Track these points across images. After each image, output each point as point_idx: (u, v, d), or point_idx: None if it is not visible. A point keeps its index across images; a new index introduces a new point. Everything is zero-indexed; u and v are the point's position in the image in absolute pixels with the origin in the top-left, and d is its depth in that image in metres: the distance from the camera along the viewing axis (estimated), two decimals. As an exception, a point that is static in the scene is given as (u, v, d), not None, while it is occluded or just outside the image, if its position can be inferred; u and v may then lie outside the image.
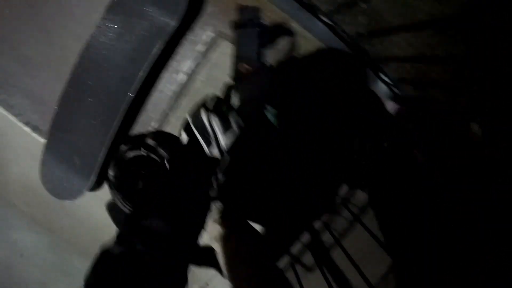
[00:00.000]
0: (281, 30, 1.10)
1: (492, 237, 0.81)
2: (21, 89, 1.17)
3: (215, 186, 0.96)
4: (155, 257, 0.64)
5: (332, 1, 1.04)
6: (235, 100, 1.01)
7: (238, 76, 1.06)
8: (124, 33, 0.99)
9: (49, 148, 1.08)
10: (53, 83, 1.13)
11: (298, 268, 1.25)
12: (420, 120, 1.14)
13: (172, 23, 0.97)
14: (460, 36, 0.89)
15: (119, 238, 0.69)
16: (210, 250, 0.92)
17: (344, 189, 1.21)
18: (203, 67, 1.14)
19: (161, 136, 1.14)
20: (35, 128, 1.19)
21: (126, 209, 1.06)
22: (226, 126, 0.96)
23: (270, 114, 1.03)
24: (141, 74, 0.99)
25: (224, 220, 0.90)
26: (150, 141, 1.09)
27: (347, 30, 1.10)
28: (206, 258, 0.95)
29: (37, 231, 1.36)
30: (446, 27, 0.88)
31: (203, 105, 1.01)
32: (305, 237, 1.26)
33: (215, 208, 0.93)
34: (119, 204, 1.08)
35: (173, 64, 1.13)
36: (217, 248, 0.86)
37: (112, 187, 1.10)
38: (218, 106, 1.01)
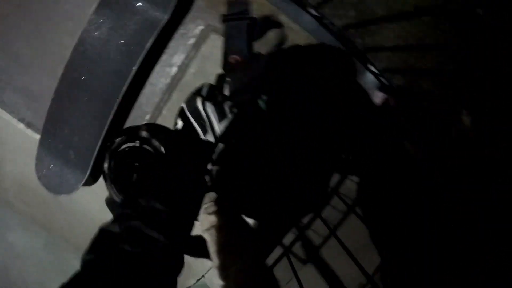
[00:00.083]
0: (270, 22, 1.11)
1: (492, 237, 0.81)
2: (15, 86, 1.17)
3: (210, 173, 0.96)
4: (154, 235, 0.64)
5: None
6: (227, 91, 1.03)
7: (229, 67, 1.07)
8: (116, 27, 1.00)
9: (44, 143, 1.08)
10: (47, 79, 1.13)
11: (294, 260, 1.25)
12: (411, 112, 1.14)
13: (163, 17, 0.98)
14: (448, 26, 0.89)
15: (118, 217, 0.69)
16: (201, 240, 0.92)
17: (338, 182, 1.21)
18: (194, 60, 1.16)
19: (155, 128, 1.15)
20: (29, 124, 1.19)
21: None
22: (221, 114, 0.97)
23: (263, 103, 1.03)
24: (134, 68, 1.00)
25: (216, 211, 0.89)
26: (144, 133, 1.09)
27: (336, 22, 1.11)
28: (198, 247, 0.95)
29: (34, 230, 1.36)
30: (435, 17, 0.88)
31: (199, 93, 1.02)
32: (299, 230, 1.26)
33: (209, 199, 0.93)
34: (114, 197, 1.08)
35: (165, 57, 1.15)
36: (208, 238, 0.86)
37: (107, 179, 1.10)
38: (213, 94, 1.02)
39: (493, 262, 0.80)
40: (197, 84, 1.13)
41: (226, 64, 1.07)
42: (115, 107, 1.02)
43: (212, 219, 0.87)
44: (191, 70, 1.17)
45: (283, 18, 1.12)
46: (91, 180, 1.13)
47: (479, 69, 0.87)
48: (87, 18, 1.00)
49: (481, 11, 0.80)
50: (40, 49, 1.14)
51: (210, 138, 0.97)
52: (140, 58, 1.00)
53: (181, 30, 1.14)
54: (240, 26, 1.06)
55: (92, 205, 1.24)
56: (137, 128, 1.13)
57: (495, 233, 0.82)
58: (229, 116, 0.97)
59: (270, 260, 1.29)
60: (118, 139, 1.09)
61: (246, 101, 1.02)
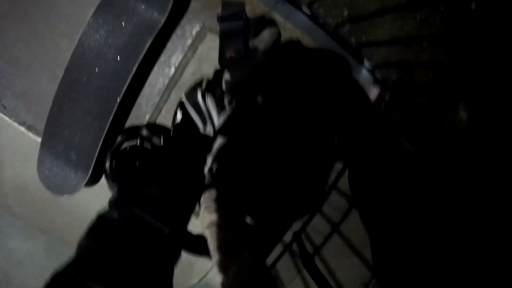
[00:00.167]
0: (264, 21, 1.12)
1: (492, 237, 0.81)
2: (15, 90, 1.18)
3: (210, 171, 0.97)
4: (152, 221, 0.65)
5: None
6: (225, 86, 1.04)
7: (226, 63, 1.08)
8: (114, 29, 1.01)
9: (45, 145, 1.09)
10: (47, 82, 1.13)
11: (295, 261, 1.26)
12: (407, 109, 1.14)
13: (160, 18, 1.01)
14: (439, 19, 0.89)
15: (116, 203, 0.69)
16: (202, 239, 0.92)
17: (337, 179, 1.22)
18: (192, 60, 1.18)
19: (155, 127, 1.17)
20: (30, 128, 1.19)
21: None
22: (221, 107, 0.99)
23: (261, 100, 1.03)
24: (133, 69, 1.02)
25: (217, 209, 0.89)
26: (145, 131, 1.11)
27: (329, 20, 1.13)
28: (199, 246, 0.95)
29: (34, 236, 1.35)
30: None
31: (198, 85, 1.04)
32: (299, 227, 1.27)
33: (209, 197, 0.93)
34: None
35: (163, 58, 1.17)
36: (208, 236, 0.86)
37: (109, 178, 1.11)
38: (213, 87, 1.03)
39: (493, 262, 0.80)
40: (195, 83, 1.15)
41: (223, 60, 1.08)
42: (115, 108, 1.03)
43: (213, 217, 0.87)
44: (189, 70, 1.18)
45: (276, 17, 1.14)
46: (93, 181, 1.14)
47: (479, 69, 0.86)
48: (86, 21, 1.01)
49: (474, 4, 0.80)
50: (39, 52, 1.15)
51: (210, 130, 0.98)
52: (139, 59, 1.01)
53: (178, 31, 1.16)
54: (236, 25, 1.07)
55: (92, 206, 1.24)
56: (137, 128, 1.14)
57: (495, 233, 0.81)
58: (228, 109, 0.99)
59: (271, 259, 1.29)
60: (119, 138, 1.10)
61: (245, 97, 1.02)
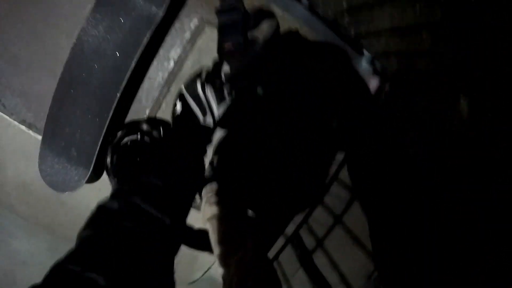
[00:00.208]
0: (263, 13, 1.12)
1: (492, 237, 0.81)
2: (14, 89, 1.18)
3: (210, 164, 0.97)
4: (153, 211, 0.64)
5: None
6: (224, 77, 1.03)
7: (225, 54, 1.08)
8: (112, 25, 1.01)
9: (46, 142, 1.09)
10: (46, 80, 1.13)
11: (297, 253, 1.26)
12: (407, 108, 1.14)
13: (158, 12, 1.00)
14: (439, 8, 0.87)
15: (117, 193, 0.69)
16: (204, 233, 0.93)
17: (337, 170, 1.22)
18: (190, 53, 1.18)
19: (155, 121, 1.18)
20: (31, 126, 1.20)
21: None
22: (220, 98, 0.99)
23: (261, 91, 1.03)
24: (132, 63, 1.01)
25: (218, 201, 0.90)
26: (145, 126, 1.11)
27: (328, 11, 1.13)
28: (201, 241, 0.96)
29: (37, 234, 1.36)
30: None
31: (198, 77, 1.05)
32: (301, 219, 1.27)
33: (210, 189, 0.94)
34: None
35: (162, 52, 1.17)
36: (209, 228, 0.87)
37: (110, 173, 1.11)
38: (212, 78, 1.03)
39: (493, 262, 0.80)
40: (194, 76, 1.15)
41: (222, 53, 1.08)
42: (115, 103, 1.03)
43: (214, 209, 0.87)
44: (188, 63, 1.18)
45: (275, 9, 1.14)
46: (94, 177, 1.14)
47: (479, 68, 0.85)
48: (84, 18, 1.01)
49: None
50: (39, 51, 1.14)
51: (209, 120, 0.98)
52: (138, 54, 1.01)
53: (176, 25, 1.15)
54: (234, 18, 1.06)
55: (95, 202, 1.24)
56: (137, 122, 1.14)
57: (495, 233, 0.81)
58: (228, 100, 0.99)
59: (273, 252, 1.30)
60: (119, 133, 1.10)
61: (244, 88, 1.02)
